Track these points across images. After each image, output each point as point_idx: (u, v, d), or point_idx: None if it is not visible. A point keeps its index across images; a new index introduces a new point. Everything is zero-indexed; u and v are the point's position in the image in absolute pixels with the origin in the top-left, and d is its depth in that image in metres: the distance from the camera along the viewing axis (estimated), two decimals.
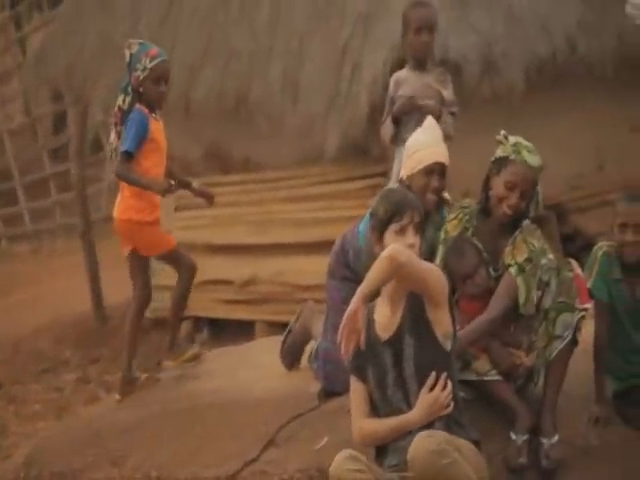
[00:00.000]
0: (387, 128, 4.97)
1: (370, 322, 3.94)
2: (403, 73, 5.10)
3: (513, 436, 4.20)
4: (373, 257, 3.93)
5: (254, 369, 5.26)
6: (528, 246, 4.31)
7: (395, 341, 3.92)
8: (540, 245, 4.35)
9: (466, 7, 8.74)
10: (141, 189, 5.09)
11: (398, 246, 3.82)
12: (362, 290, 3.79)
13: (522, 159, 4.30)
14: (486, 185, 4.40)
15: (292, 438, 4.61)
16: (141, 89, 5.11)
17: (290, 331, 5.21)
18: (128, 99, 5.14)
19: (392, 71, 8.45)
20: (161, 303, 10.31)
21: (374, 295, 3.94)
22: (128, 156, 5.07)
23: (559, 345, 4.26)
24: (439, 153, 4.59)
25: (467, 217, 4.44)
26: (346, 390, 4.51)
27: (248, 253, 9.84)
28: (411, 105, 4.92)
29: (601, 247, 4.40)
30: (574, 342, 4.28)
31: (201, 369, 5.36)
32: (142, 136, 5.09)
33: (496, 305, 4.27)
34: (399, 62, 8.61)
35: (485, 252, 4.39)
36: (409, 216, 3.89)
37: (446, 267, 4.34)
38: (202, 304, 9.66)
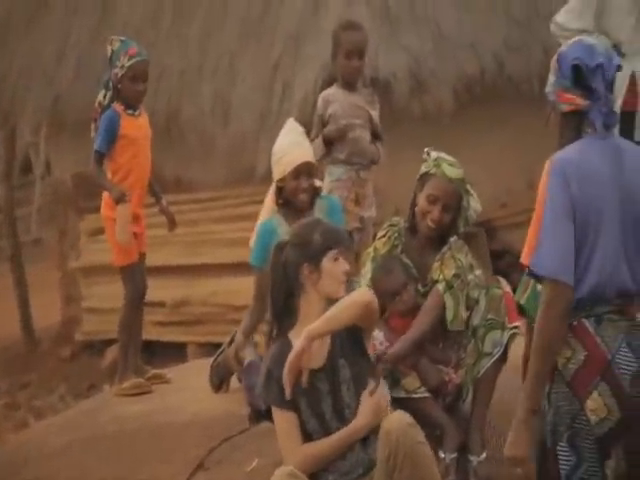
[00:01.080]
0: (317, 148, 4.99)
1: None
2: (332, 91, 5.14)
3: (442, 454, 4.20)
4: (301, 287, 3.88)
5: (184, 392, 5.20)
6: (456, 262, 4.34)
7: (328, 368, 3.86)
8: (468, 261, 4.38)
9: (395, 26, 8.80)
10: (119, 178, 5.22)
11: (368, 290, 3.87)
12: (316, 330, 3.75)
13: (442, 172, 4.34)
14: (413, 202, 4.43)
15: (222, 461, 4.57)
16: (119, 86, 5.16)
17: (222, 352, 5.17)
18: (108, 95, 5.22)
19: (323, 90, 8.63)
20: (91, 326, 10.26)
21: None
22: (98, 154, 5.23)
23: (487, 362, 4.28)
24: (304, 153, 4.73)
25: (396, 234, 4.47)
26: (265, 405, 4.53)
27: (180, 274, 9.78)
28: (343, 135, 5.00)
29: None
30: (503, 360, 4.30)
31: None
32: (112, 134, 5.21)
33: (423, 320, 4.29)
34: (330, 81, 8.66)
35: (414, 269, 4.42)
36: (345, 243, 3.93)
37: (374, 284, 4.35)
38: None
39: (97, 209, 10.25)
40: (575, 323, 3.34)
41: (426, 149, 4.46)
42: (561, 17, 5.79)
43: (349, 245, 3.96)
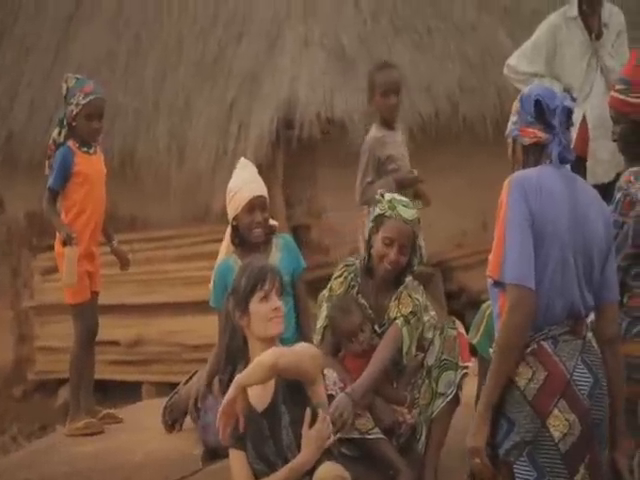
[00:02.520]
0: (386, 185, 5.04)
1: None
2: (379, 133, 5.24)
3: None
4: (243, 332, 3.94)
5: (137, 432, 5.16)
6: (413, 301, 4.39)
7: (270, 412, 3.90)
8: (423, 301, 4.43)
9: (351, 68, 8.88)
10: (73, 216, 5.22)
11: (276, 350, 3.86)
12: (240, 381, 3.81)
13: (397, 214, 4.37)
14: (368, 244, 4.46)
15: None
16: (74, 124, 5.16)
17: (176, 393, 5.15)
18: (63, 132, 5.21)
19: (278, 130, 8.67)
20: (44, 365, 10.15)
21: None
22: (51, 192, 5.23)
23: (441, 403, 4.30)
24: (256, 188, 4.78)
25: (352, 275, 4.49)
26: (222, 443, 4.51)
27: (135, 313, 9.72)
28: (415, 182, 5.15)
29: (489, 305, 4.47)
30: (456, 400, 4.32)
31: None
32: (65, 171, 5.20)
33: (383, 355, 4.29)
34: (285, 121, 8.71)
35: (370, 310, 4.43)
36: (270, 282, 3.96)
37: (331, 324, 4.36)
38: None
39: (50, 248, 10.15)
40: (535, 346, 3.48)
41: (380, 191, 4.51)
42: (514, 60, 5.89)
43: (276, 280, 3.96)
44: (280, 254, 4.85)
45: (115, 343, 9.58)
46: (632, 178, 3.81)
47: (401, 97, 5.25)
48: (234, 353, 3.98)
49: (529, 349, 3.47)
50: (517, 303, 3.41)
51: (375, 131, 5.23)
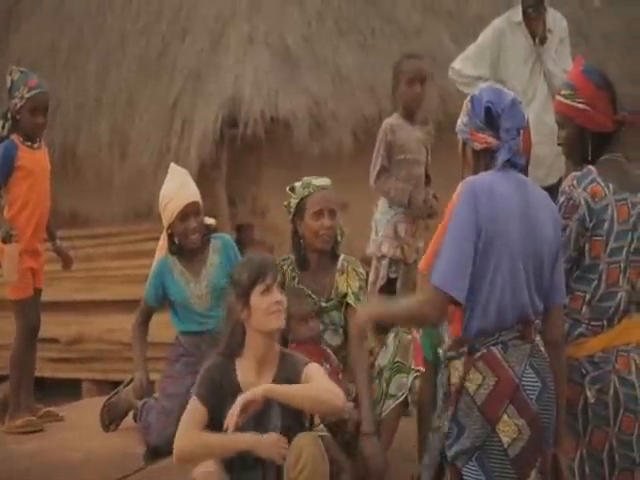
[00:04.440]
0: (400, 196, 5.06)
1: (233, 378, 3.91)
2: (395, 121, 5.16)
3: None
4: (242, 324, 3.92)
5: (78, 430, 5.13)
6: (358, 275, 4.52)
7: (260, 418, 3.86)
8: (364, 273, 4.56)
9: (295, 67, 8.88)
10: (15, 211, 5.15)
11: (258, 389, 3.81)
12: (272, 393, 3.80)
13: (314, 187, 4.50)
14: (295, 236, 4.55)
15: None
16: (18, 117, 5.10)
17: (118, 392, 5.13)
18: (7, 125, 5.15)
19: (222, 128, 8.64)
20: None
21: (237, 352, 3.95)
22: None
23: (391, 404, 4.34)
24: (188, 194, 4.81)
25: (290, 267, 4.58)
26: (165, 443, 4.51)
27: (75, 310, 9.63)
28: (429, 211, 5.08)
29: None
30: (406, 403, 4.37)
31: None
32: (8, 166, 5.15)
33: (362, 357, 4.37)
34: (229, 120, 8.69)
35: (314, 295, 4.51)
36: (272, 275, 3.93)
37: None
38: None
39: None
40: (485, 351, 3.52)
41: (288, 187, 4.59)
42: (458, 64, 5.94)
43: (278, 274, 3.95)
44: (217, 255, 4.86)
45: (55, 340, 9.49)
46: (575, 182, 3.86)
47: (425, 89, 5.16)
48: (233, 348, 3.95)
49: (478, 354, 3.50)
50: (431, 303, 3.45)
51: (392, 118, 5.19)
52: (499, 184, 3.53)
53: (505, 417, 3.47)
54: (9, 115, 5.20)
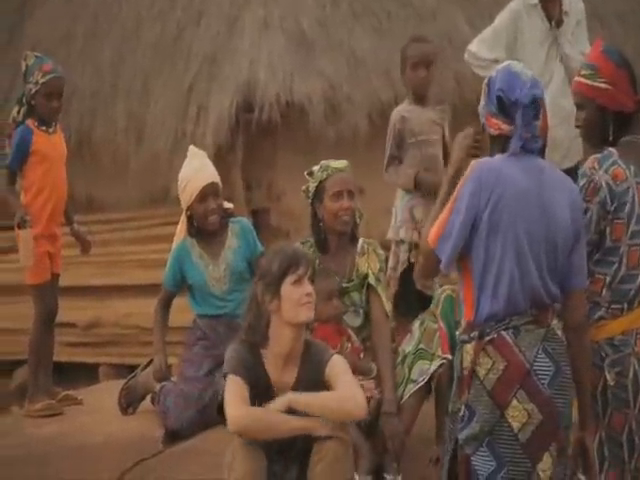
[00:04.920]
0: (405, 180, 5.03)
1: (259, 362, 3.89)
2: (406, 107, 5.15)
3: (356, 477, 4.20)
4: (269, 315, 3.88)
5: (96, 413, 5.15)
6: (378, 256, 4.56)
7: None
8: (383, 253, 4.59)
9: (311, 51, 8.87)
10: (31, 196, 5.17)
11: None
12: (296, 402, 3.79)
13: (332, 169, 4.52)
14: (314, 220, 4.56)
15: None
16: (33, 102, 5.11)
17: (135, 375, 5.15)
18: (22, 110, 5.16)
19: (237, 113, 8.65)
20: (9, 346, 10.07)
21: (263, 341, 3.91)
22: (10, 171, 5.20)
23: (412, 389, 4.33)
24: (208, 175, 4.82)
25: (311, 249, 4.58)
26: (184, 426, 4.53)
27: (92, 295, 9.66)
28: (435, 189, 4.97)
29: (444, 290, 4.51)
30: (428, 390, 4.36)
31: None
32: (23, 151, 5.16)
33: (385, 344, 4.39)
34: (245, 104, 8.70)
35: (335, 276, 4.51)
36: (304, 266, 3.89)
37: None
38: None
39: (4, 228, 10.10)
40: (495, 336, 3.51)
41: (306, 172, 4.59)
42: (474, 47, 5.91)
43: (309, 266, 3.91)
44: (236, 239, 4.87)
45: (72, 325, 9.53)
46: (596, 164, 3.84)
47: (433, 72, 5.13)
48: (257, 338, 3.89)
49: (488, 338, 3.50)
50: (427, 263, 3.63)
51: (402, 105, 5.18)
52: (509, 168, 3.52)
53: (515, 402, 3.47)
54: (24, 100, 5.21)
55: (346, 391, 3.82)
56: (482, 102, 3.66)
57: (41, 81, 5.16)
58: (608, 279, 3.83)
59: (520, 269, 3.50)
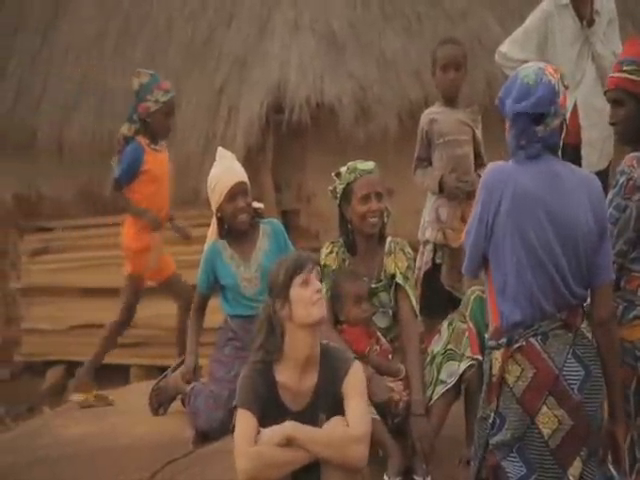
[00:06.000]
0: (431, 183, 5.05)
1: (272, 383, 3.85)
2: (435, 109, 5.17)
3: (386, 478, 4.21)
4: (282, 325, 3.85)
5: (126, 414, 5.17)
6: (405, 254, 4.55)
7: (306, 416, 3.84)
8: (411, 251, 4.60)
9: (341, 52, 8.86)
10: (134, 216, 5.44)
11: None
12: (294, 434, 3.75)
13: (360, 171, 4.51)
14: (342, 221, 4.56)
15: None
16: (149, 120, 5.15)
17: (166, 376, 5.17)
18: (133, 127, 5.21)
19: (267, 114, 8.65)
20: (31, 347, 10.14)
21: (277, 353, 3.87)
22: (118, 184, 5.39)
23: (441, 390, 4.32)
24: (234, 175, 4.84)
25: (341, 250, 4.59)
26: (213, 427, 4.52)
27: None
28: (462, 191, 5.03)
29: (474, 291, 4.49)
30: (457, 391, 4.33)
31: (70, 415, 5.25)
32: (135, 168, 5.35)
33: (413, 342, 4.37)
34: (275, 106, 8.70)
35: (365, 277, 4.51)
36: (310, 265, 3.87)
37: (336, 291, 4.42)
38: (75, 348, 9.46)
39: (38, 229, 10.16)
40: (523, 343, 3.49)
41: (333, 174, 4.58)
42: (505, 47, 5.89)
43: (315, 265, 3.89)
44: (267, 240, 4.88)
45: (103, 326, 9.55)
46: (635, 162, 3.78)
47: (463, 74, 5.14)
48: (269, 351, 3.85)
49: (517, 345, 3.48)
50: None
51: (432, 107, 5.20)
52: (518, 173, 3.51)
53: (544, 409, 3.46)
54: (135, 117, 5.23)
55: (352, 430, 3.75)
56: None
57: (162, 99, 5.22)
58: None
59: (537, 274, 3.47)
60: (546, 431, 3.46)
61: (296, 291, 3.83)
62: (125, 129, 5.30)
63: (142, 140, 5.22)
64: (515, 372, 3.49)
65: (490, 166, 3.58)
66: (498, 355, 3.53)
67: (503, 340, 3.51)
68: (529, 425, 3.47)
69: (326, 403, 3.82)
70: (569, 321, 3.51)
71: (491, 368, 3.57)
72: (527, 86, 3.53)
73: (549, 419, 3.46)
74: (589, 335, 3.55)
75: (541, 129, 3.54)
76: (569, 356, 3.48)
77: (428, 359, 4.39)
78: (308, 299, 3.81)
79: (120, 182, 5.26)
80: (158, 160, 5.30)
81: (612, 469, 3.63)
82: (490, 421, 3.54)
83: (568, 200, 3.51)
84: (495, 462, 3.55)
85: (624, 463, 3.69)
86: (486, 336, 3.73)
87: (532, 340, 3.49)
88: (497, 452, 3.54)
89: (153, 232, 5.21)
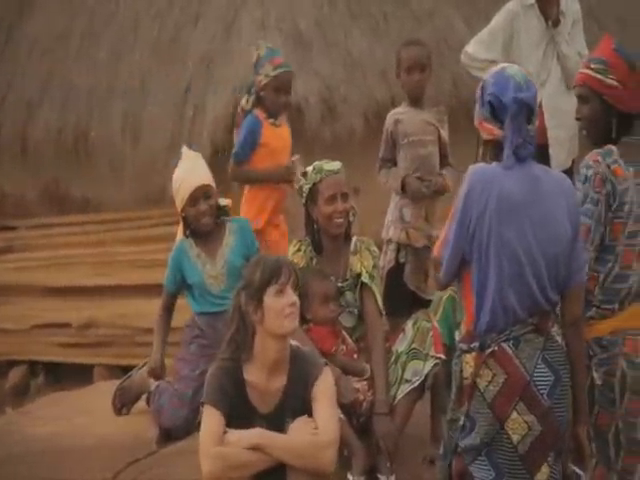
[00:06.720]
0: (393, 182, 5.03)
1: (240, 382, 3.81)
2: (400, 109, 5.16)
3: (350, 477, 4.21)
4: (254, 327, 3.80)
5: (90, 414, 5.15)
6: (371, 253, 4.54)
7: (274, 418, 3.81)
8: (376, 250, 4.59)
9: (307, 51, 8.85)
10: (258, 186, 5.24)
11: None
12: (261, 442, 3.72)
13: (326, 171, 4.50)
14: (308, 221, 4.55)
15: None
16: (261, 94, 5.07)
17: (130, 376, 5.15)
18: (251, 100, 5.12)
19: (234, 113, 8.63)
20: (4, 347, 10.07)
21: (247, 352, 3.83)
22: (236, 159, 5.23)
23: (406, 389, 4.32)
24: (197, 178, 4.81)
25: (309, 248, 4.58)
26: (177, 425, 4.50)
27: (87, 295, 9.64)
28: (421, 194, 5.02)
29: (446, 291, 4.50)
30: (421, 390, 4.34)
31: (35, 414, 5.21)
32: (252, 142, 5.19)
33: (378, 341, 4.36)
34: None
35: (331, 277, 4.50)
36: (286, 275, 3.79)
37: (304, 291, 4.31)
38: (38, 348, 9.40)
39: (1, 228, 10.06)
40: (496, 348, 3.48)
41: (299, 173, 4.59)
42: (471, 48, 5.91)
43: (292, 274, 3.80)
44: (233, 237, 4.88)
45: (67, 325, 9.52)
46: (599, 158, 3.79)
47: (427, 75, 5.13)
48: (238, 348, 3.80)
49: (489, 350, 3.48)
50: (436, 272, 3.64)
51: (398, 108, 5.20)
52: (503, 179, 3.47)
53: (514, 414, 3.45)
54: (252, 90, 5.17)
55: (323, 436, 3.73)
56: (476, 106, 3.61)
57: (272, 74, 5.11)
58: (601, 277, 3.82)
59: (516, 283, 3.45)
60: (515, 437, 3.46)
61: (270, 299, 3.76)
62: (244, 102, 5.20)
63: (259, 114, 5.13)
64: (487, 377, 3.48)
65: (473, 169, 3.52)
66: (470, 359, 3.52)
67: (475, 344, 3.50)
68: (498, 430, 3.47)
69: (294, 406, 3.80)
70: (540, 326, 3.50)
71: (462, 371, 3.55)
72: (519, 82, 3.53)
73: (519, 425, 3.46)
74: (559, 339, 3.55)
75: (531, 128, 3.54)
76: (539, 361, 3.48)
77: (392, 358, 4.39)
78: (280, 310, 3.75)
79: (239, 157, 5.16)
80: (277, 134, 5.18)
81: (575, 469, 3.64)
82: (460, 424, 3.53)
83: (549, 205, 3.50)
84: (463, 466, 3.55)
85: (588, 463, 3.70)
86: (457, 336, 3.71)
87: (504, 345, 3.48)
88: (466, 455, 3.53)
89: (283, 185, 5.09)
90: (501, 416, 3.46)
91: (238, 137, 5.23)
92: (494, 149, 3.56)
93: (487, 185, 3.46)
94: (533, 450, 3.47)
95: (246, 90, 5.26)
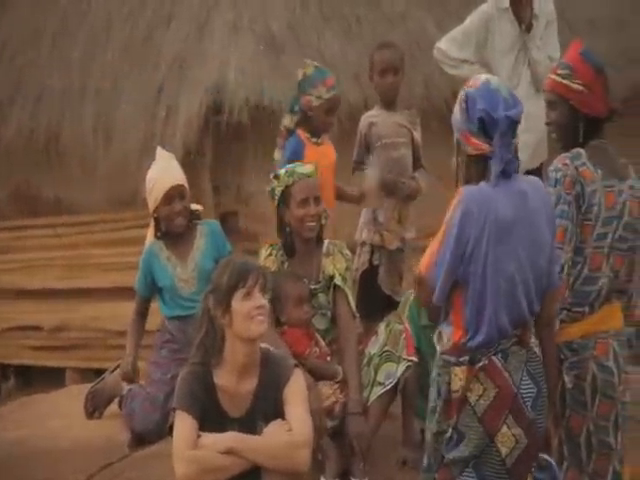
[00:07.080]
0: (370, 181, 5.05)
1: (211, 386, 3.79)
2: (374, 112, 5.18)
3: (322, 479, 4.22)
4: (223, 330, 3.78)
5: (62, 418, 5.13)
6: (344, 256, 4.55)
7: (246, 421, 3.80)
8: (348, 253, 4.58)
9: (279, 53, 8.86)
10: None
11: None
12: (236, 446, 3.70)
13: (299, 175, 4.50)
14: (280, 224, 4.54)
15: None
16: (310, 114, 5.01)
17: (103, 379, 5.13)
18: (294, 119, 5.05)
19: (207, 115, 8.61)
20: None
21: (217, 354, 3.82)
22: None
23: (379, 391, 4.33)
24: (172, 178, 4.81)
25: (280, 252, 4.58)
26: (149, 429, 4.49)
27: (59, 298, 9.60)
28: (395, 186, 5.02)
29: (412, 293, 4.51)
30: (394, 391, 4.35)
31: (7, 418, 5.18)
32: (295, 161, 5.05)
33: (352, 345, 4.35)
34: (214, 107, 8.67)
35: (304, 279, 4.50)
36: (254, 278, 3.77)
37: (277, 294, 4.35)
38: (9, 351, 9.35)
39: None
40: (486, 362, 3.48)
41: (272, 175, 4.57)
42: (443, 44, 5.92)
43: (260, 277, 3.78)
44: (204, 240, 4.87)
45: (38, 328, 9.48)
46: (568, 161, 3.81)
47: (400, 77, 5.16)
48: (208, 352, 3.78)
49: (480, 364, 3.47)
50: (420, 290, 3.61)
51: (371, 111, 5.22)
52: (496, 198, 3.44)
53: (504, 428, 3.46)
54: (296, 108, 5.09)
55: (297, 436, 3.72)
56: (459, 118, 3.54)
57: (325, 96, 5.02)
58: (571, 280, 3.84)
59: (509, 301, 3.45)
60: (504, 450, 3.47)
61: (238, 304, 3.75)
62: (287, 121, 5.14)
63: (301, 133, 5.08)
64: (477, 391, 3.48)
65: (465, 191, 3.46)
66: (459, 372, 3.51)
67: (465, 358, 3.49)
68: (488, 443, 3.47)
69: (266, 408, 3.79)
70: (523, 337, 3.51)
71: (450, 383, 3.53)
72: (506, 98, 3.50)
73: (507, 438, 3.47)
74: (537, 350, 3.56)
75: (515, 141, 3.52)
76: (524, 374, 3.49)
77: (365, 360, 4.40)
78: (248, 314, 3.74)
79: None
80: (320, 152, 5.12)
81: (547, 457, 3.65)
82: (447, 436, 3.52)
83: (535, 218, 3.49)
84: (449, 477, 3.54)
85: (552, 450, 3.71)
86: (435, 339, 3.66)
87: (494, 358, 3.48)
88: (453, 467, 3.52)
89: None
90: (491, 430, 3.46)
91: (282, 158, 5.17)
92: (480, 164, 3.51)
93: (483, 207, 3.43)
94: (519, 463, 3.48)
95: (289, 109, 5.20)
